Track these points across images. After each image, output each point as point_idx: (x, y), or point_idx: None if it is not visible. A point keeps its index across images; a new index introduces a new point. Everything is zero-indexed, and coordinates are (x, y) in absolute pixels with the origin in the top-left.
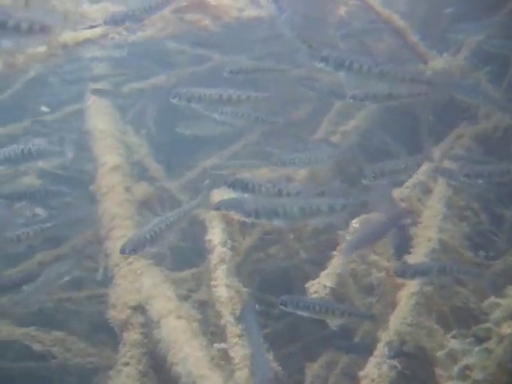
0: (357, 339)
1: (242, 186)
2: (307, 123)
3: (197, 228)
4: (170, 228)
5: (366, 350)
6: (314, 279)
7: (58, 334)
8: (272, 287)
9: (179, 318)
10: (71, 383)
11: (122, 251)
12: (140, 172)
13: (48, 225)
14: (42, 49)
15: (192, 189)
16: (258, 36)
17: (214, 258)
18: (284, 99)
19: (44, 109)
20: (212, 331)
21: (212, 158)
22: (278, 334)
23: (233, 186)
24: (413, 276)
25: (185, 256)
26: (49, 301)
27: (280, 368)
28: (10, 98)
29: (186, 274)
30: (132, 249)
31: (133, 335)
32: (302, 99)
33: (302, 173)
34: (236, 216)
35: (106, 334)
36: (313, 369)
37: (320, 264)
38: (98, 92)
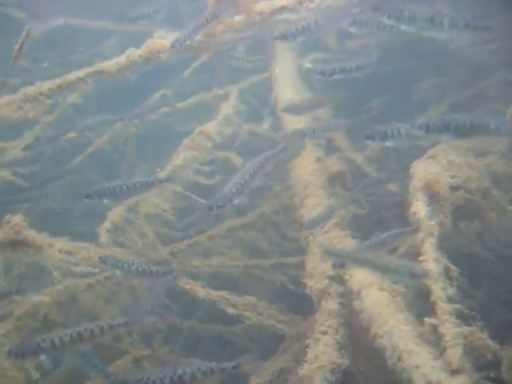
0: None
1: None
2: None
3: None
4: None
5: None
6: None
7: (251, 298)
8: None
9: (381, 290)
10: (255, 349)
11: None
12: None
13: None
14: (239, 18)
15: (376, 160)
16: None
17: (421, 231)
18: None
19: None
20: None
21: None
22: None
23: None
24: None
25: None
26: (234, 266)
27: None
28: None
29: None
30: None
31: (331, 305)
32: None
33: None
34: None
35: (287, 303)
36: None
37: None
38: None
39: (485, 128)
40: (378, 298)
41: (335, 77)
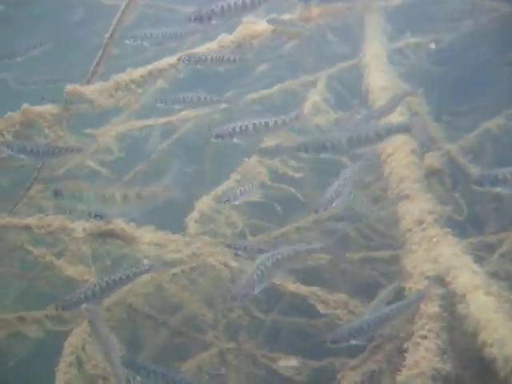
0: None
1: None
2: None
3: None
4: None
5: None
6: None
7: (342, 296)
8: None
9: (488, 294)
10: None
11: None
12: None
13: None
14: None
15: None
16: None
17: None
18: None
19: None
20: None
21: None
22: None
23: None
24: None
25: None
26: (322, 259)
27: None
28: None
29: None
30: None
31: (431, 307)
32: None
33: None
34: None
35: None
36: None
37: None
38: None
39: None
40: (485, 304)
41: None
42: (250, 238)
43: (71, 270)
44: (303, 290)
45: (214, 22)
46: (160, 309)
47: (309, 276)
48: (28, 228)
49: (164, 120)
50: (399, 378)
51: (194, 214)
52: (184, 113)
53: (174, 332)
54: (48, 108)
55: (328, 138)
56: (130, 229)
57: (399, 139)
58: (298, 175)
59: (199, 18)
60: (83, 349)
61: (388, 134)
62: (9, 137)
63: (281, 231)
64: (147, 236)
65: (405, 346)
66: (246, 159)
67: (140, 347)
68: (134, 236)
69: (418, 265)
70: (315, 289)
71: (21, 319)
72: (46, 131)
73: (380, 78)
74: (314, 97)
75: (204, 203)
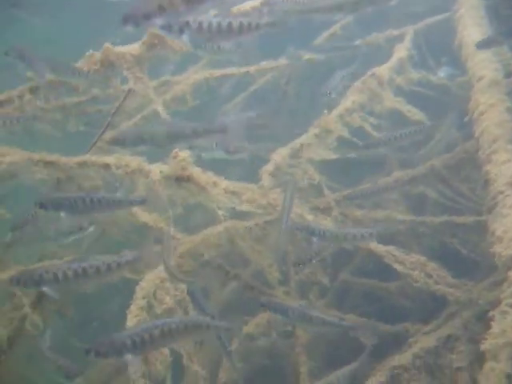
0: None
1: None
2: None
3: None
4: None
5: None
6: None
7: (420, 257)
8: None
9: None
10: (409, 309)
11: None
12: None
13: None
14: None
15: None
16: None
17: None
18: None
19: None
20: None
21: None
22: None
23: None
24: None
25: None
26: (400, 221)
27: None
28: None
29: None
30: None
31: None
32: None
33: None
34: None
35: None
36: None
37: None
38: None
39: None
40: None
41: None
42: (327, 192)
43: (147, 217)
44: (379, 248)
45: None
46: (231, 262)
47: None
48: (107, 166)
49: (243, 70)
50: (484, 346)
51: (269, 166)
52: (264, 63)
53: (244, 286)
54: (129, 49)
55: (146, 131)
56: (206, 175)
57: (492, 96)
58: (375, 133)
59: None
60: (154, 294)
61: (206, 133)
62: (89, 74)
63: (359, 189)
64: (223, 183)
65: (490, 313)
66: (325, 112)
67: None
68: (209, 182)
69: (509, 229)
70: (392, 248)
71: None
72: (125, 72)
73: (477, 33)
74: (400, 52)
75: (280, 155)
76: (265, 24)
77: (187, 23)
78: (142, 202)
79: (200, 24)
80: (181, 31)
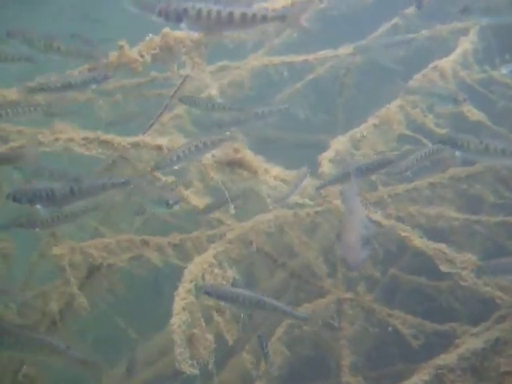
0: None
1: None
2: None
3: None
4: None
5: None
6: None
7: (471, 256)
8: None
9: None
10: (458, 311)
11: None
12: None
13: None
14: None
15: None
16: None
17: None
18: None
19: None
20: None
21: None
22: None
23: None
24: None
25: None
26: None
27: None
28: None
29: None
30: None
31: None
32: None
33: None
34: None
35: None
36: None
37: None
38: None
39: None
40: None
41: None
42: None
43: (197, 201)
44: (430, 246)
45: None
46: (280, 251)
47: (433, 235)
48: (159, 148)
49: (301, 58)
50: None
51: (329, 153)
52: (323, 52)
53: (291, 275)
54: (189, 33)
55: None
56: (258, 160)
57: None
58: (436, 129)
59: None
60: (203, 277)
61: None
62: (148, 58)
63: (413, 185)
64: (274, 170)
65: None
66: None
67: (255, 287)
68: (261, 168)
69: None
70: (442, 246)
71: (144, 243)
72: (183, 58)
73: None
74: (464, 45)
75: (340, 143)
76: (272, 17)
77: (185, 10)
78: (126, 184)
79: (199, 11)
80: (178, 18)
